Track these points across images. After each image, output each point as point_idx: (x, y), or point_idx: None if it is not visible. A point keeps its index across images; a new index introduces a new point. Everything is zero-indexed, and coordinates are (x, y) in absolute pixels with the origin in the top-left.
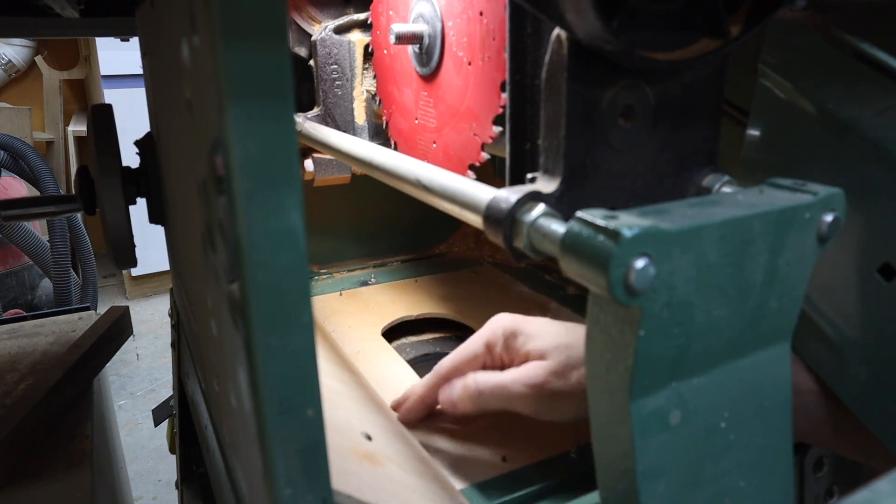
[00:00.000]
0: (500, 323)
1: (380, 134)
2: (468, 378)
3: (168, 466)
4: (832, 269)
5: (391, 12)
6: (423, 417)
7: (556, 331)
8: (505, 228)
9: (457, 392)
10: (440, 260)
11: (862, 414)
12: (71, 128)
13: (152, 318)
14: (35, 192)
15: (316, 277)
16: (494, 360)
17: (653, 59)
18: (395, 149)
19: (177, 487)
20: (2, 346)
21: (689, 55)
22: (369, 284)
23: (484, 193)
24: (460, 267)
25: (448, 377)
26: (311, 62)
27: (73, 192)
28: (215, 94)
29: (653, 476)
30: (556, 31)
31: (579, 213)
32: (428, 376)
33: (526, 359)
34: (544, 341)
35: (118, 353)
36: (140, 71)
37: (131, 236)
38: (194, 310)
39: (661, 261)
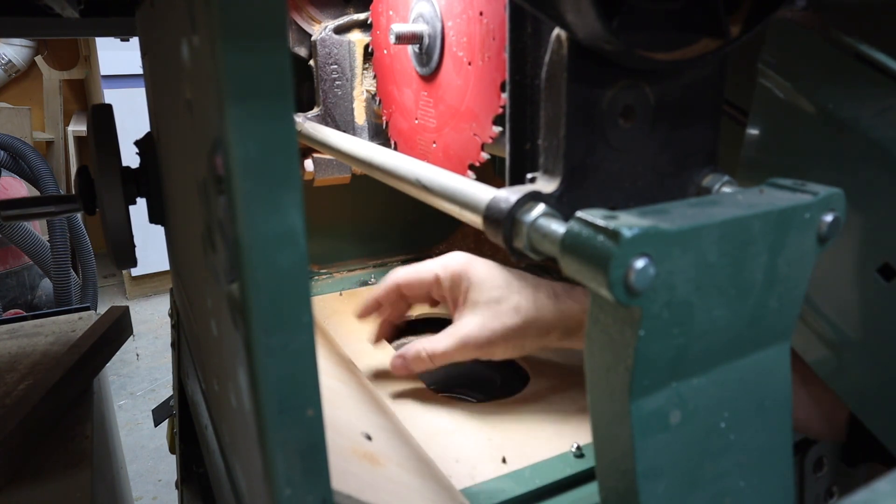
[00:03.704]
0: (452, 266)
1: (380, 134)
2: (418, 349)
3: (168, 466)
4: (832, 269)
5: (391, 12)
6: (371, 313)
7: (495, 283)
8: (505, 228)
9: (411, 361)
10: None
11: (862, 414)
12: (71, 128)
13: (152, 318)
14: (35, 192)
15: (316, 277)
16: (441, 292)
17: (653, 59)
18: (395, 149)
19: (177, 487)
20: (2, 346)
21: (689, 55)
22: (369, 284)
23: (484, 193)
24: None
25: (401, 292)
26: (311, 62)
27: (73, 192)
28: (215, 94)
29: (653, 476)
30: (556, 31)
31: (579, 213)
32: (383, 283)
33: (464, 302)
34: (480, 294)
35: (118, 353)
36: (140, 71)
37: (131, 236)
38: (194, 310)
39: (660, 261)
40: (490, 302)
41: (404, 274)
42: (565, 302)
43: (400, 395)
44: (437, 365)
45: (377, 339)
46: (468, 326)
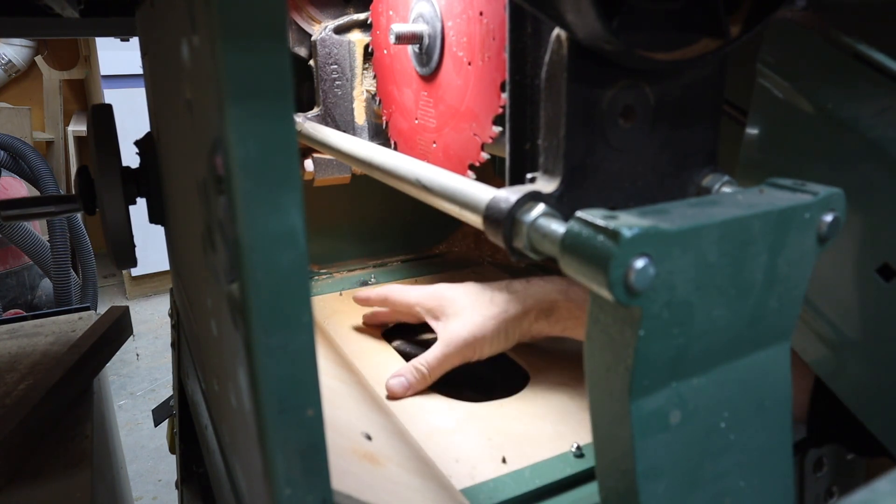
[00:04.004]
0: (429, 292)
1: (380, 134)
2: (412, 365)
3: (168, 466)
4: (832, 269)
5: (391, 12)
6: (363, 304)
7: (469, 291)
8: (505, 228)
9: (411, 379)
10: (440, 260)
11: (862, 414)
12: (71, 128)
13: (152, 318)
14: (35, 192)
15: (316, 277)
16: (421, 317)
17: (653, 59)
18: (395, 149)
19: (177, 487)
20: (2, 346)
21: (689, 55)
22: (369, 284)
23: (484, 193)
24: (460, 267)
25: (389, 303)
26: (311, 62)
27: (73, 192)
28: (215, 94)
29: (653, 476)
30: (556, 31)
31: (579, 213)
32: (378, 289)
33: (446, 317)
34: (458, 304)
35: (118, 353)
36: (140, 71)
37: (131, 236)
38: (194, 310)
39: (660, 261)
40: (467, 305)
41: (394, 289)
42: (537, 283)
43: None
44: (435, 377)
45: (366, 321)
46: (453, 330)
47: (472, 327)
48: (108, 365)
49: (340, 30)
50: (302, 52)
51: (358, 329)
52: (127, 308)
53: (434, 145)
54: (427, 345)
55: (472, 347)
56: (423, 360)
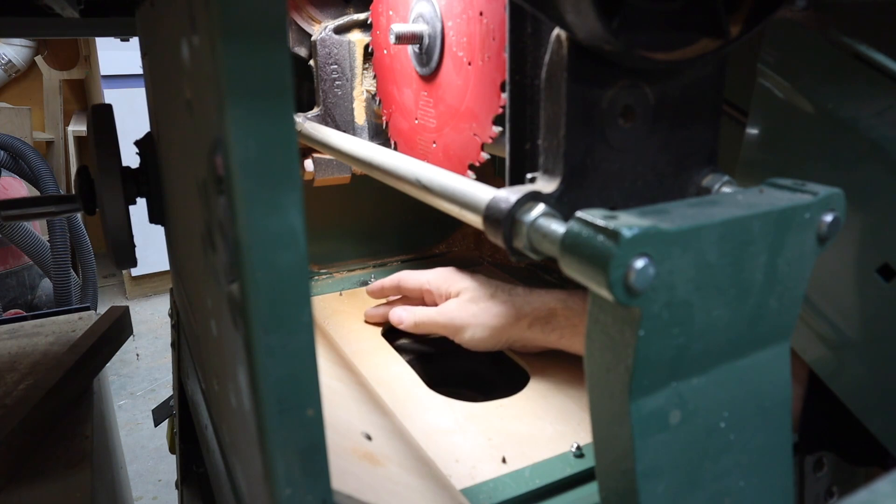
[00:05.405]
0: (440, 274)
1: (380, 134)
2: (412, 311)
3: (168, 466)
4: (832, 269)
5: (391, 12)
6: (376, 295)
7: (475, 283)
8: (505, 228)
9: (406, 319)
10: (440, 260)
11: (861, 414)
12: (71, 128)
13: (152, 318)
14: (35, 192)
15: (316, 277)
16: (430, 298)
17: (653, 59)
18: (395, 149)
19: (177, 487)
20: (2, 346)
21: (689, 55)
22: (369, 284)
23: (484, 193)
24: (460, 267)
25: (400, 288)
26: (311, 62)
27: (73, 192)
28: (215, 94)
29: (653, 476)
30: (556, 31)
31: (579, 213)
32: (390, 277)
33: (448, 295)
34: (464, 291)
35: (118, 353)
36: (140, 71)
37: (131, 236)
38: (194, 310)
39: (660, 261)
40: (468, 289)
41: (406, 274)
42: (538, 293)
43: (400, 395)
44: (412, 322)
45: (370, 319)
46: (447, 305)
47: (461, 312)
48: (108, 365)
49: (340, 30)
50: (302, 52)
51: (358, 329)
52: (127, 308)
53: (434, 145)
54: (427, 345)
55: (455, 329)
56: (413, 308)
